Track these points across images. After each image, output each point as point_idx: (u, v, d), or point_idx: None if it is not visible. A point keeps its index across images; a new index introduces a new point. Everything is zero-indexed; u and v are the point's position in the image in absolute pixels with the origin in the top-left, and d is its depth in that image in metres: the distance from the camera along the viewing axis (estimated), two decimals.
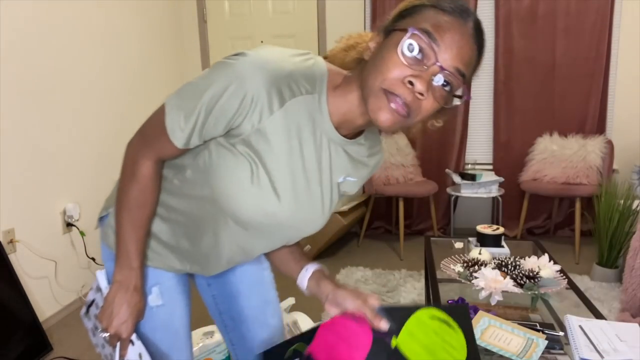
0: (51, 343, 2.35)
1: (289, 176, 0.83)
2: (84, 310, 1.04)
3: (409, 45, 0.70)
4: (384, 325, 0.81)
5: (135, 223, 0.90)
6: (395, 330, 0.81)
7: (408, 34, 0.70)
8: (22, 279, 2.34)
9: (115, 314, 0.90)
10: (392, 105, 0.72)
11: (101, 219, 1.02)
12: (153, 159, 0.87)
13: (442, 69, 0.71)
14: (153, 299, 0.97)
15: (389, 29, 0.75)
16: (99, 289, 0.98)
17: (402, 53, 0.71)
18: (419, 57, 0.71)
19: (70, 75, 2.69)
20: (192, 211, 0.90)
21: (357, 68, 0.81)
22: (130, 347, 0.92)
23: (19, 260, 2.37)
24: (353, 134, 0.88)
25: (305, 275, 0.97)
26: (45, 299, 2.55)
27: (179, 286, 1.02)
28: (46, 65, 2.51)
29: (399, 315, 0.83)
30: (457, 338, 0.84)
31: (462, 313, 0.86)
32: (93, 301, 1.00)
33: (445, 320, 0.85)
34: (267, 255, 1.07)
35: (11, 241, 2.33)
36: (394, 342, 0.80)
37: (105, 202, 1.01)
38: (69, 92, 2.67)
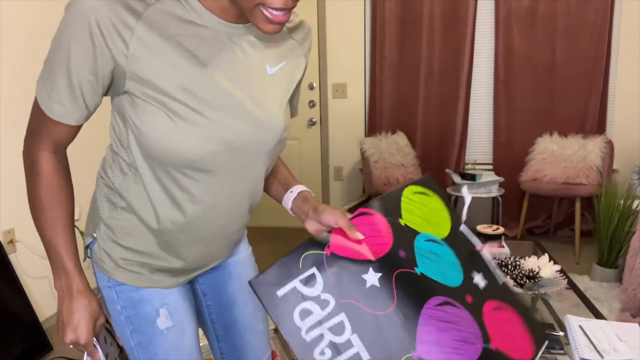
0: (51, 343, 2.35)
1: (201, 92, 0.77)
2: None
3: None
4: (359, 235, 0.80)
5: (56, 225, 0.84)
6: (397, 213, 0.87)
7: None
8: (22, 279, 2.34)
9: (66, 323, 0.85)
10: (276, 20, 0.73)
11: (88, 248, 0.96)
12: (49, 149, 0.81)
13: None
14: (162, 322, 0.92)
15: None
16: None
17: None
18: None
19: None
20: (155, 191, 0.84)
21: None
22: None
23: (19, 260, 2.37)
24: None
25: (291, 196, 0.96)
26: (45, 299, 2.55)
27: (185, 301, 0.97)
28: None
29: (392, 201, 0.88)
30: (437, 202, 0.95)
31: (431, 182, 0.97)
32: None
33: (423, 192, 0.94)
34: None
35: (11, 241, 2.33)
36: (401, 222, 0.86)
37: (86, 229, 0.96)
38: None
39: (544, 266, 1.70)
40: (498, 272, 0.95)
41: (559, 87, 3.61)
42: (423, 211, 0.91)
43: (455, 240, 0.92)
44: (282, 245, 3.79)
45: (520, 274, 1.64)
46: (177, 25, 0.75)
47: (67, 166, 0.86)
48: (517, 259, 1.81)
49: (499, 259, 1.79)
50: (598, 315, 1.52)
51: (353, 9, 3.80)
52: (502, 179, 3.51)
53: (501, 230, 2.09)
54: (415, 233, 0.87)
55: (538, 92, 3.65)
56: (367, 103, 3.96)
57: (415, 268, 0.81)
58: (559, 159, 3.46)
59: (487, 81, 3.76)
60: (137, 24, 0.72)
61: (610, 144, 3.40)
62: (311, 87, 3.97)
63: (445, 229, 0.92)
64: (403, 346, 0.75)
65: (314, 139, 4.05)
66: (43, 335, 2.31)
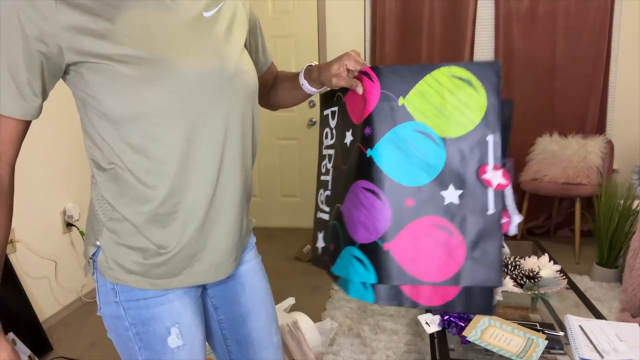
0: (51, 343, 2.35)
1: (140, 38, 0.77)
2: None
3: None
4: (359, 90, 0.88)
5: None
6: (404, 90, 0.85)
7: None
8: (22, 279, 2.34)
9: None
10: None
11: (91, 260, 0.90)
12: None
13: None
14: (173, 340, 0.89)
15: None
16: None
17: None
18: None
19: None
20: (138, 163, 0.82)
21: None
22: None
23: (19, 260, 2.37)
24: None
25: (306, 83, 1.02)
26: (45, 299, 2.55)
27: (197, 318, 0.94)
28: None
29: (410, 75, 0.85)
30: (477, 98, 0.83)
31: (490, 73, 0.83)
32: None
33: (467, 80, 0.84)
34: (275, 101, 1.12)
35: (11, 241, 2.33)
36: (400, 101, 0.85)
37: (87, 240, 0.91)
38: (69, 91, 2.67)
39: (544, 266, 1.70)
40: (491, 203, 0.84)
41: (559, 87, 3.61)
42: (444, 101, 0.84)
43: (461, 144, 0.84)
44: (282, 245, 3.79)
45: (520, 274, 1.64)
46: None
47: (5, 187, 0.81)
48: (517, 259, 1.81)
49: None
50: (598, 315, 1.52)
51: (353, 8, 3.80)
52: None
53: None
54: (407, 118, 0.85)
55: (538, 92, 3.65)
56: None
57: (368, 149, 0.86)
58: (559, 159, 3.46)
59: None
60: None
61: (610, 144, 3.40)
62: None
63: (459, 129, 0.84)
64: (340, 195, 0.93)
65: (314, 139, 4.05)
66: (43, 335, 2.31)
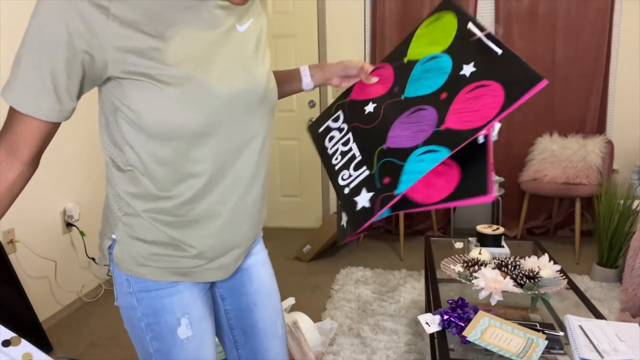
0: (51, 343, 2.35)
1: (179, 55, 0.78)
2: None
3: None
4: (373, 80, 1.09)
5: None
6: (403, 53, 1.09)
7: None
8: (22, 279, 2.34)
9: None
10: None
11: (108, 251, 0.92)
12: (4, 145, 0.78)
13: None
14: (183, 331, 0.91)
15: None
16: None
17: None
18: None
19: None
20: (163, 173, 0.83)
21: None
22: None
23: (19, 260, 2.38)
24: None
25: (306, 74, 1.13)
26: (45, 299, 2.55)
27: (206, 310, 0.96)
28: None
29: (401, 47, 1.10)
30: (448, 19, 1.04)
31: (447, 3, 1.06)
32: None
33: (437, 18, 1.07)
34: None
35: (11, 241, 2.33)
36: (404, 59, 1.07)
37: (103, 233, 0.93)
38: None
39: (544, 266, 1.70)
40: (493, 46, 0.90)
41: (559, 87, 3.61)
42: (432, 36, 1.06)
43: (456, 45, 1.01)
44: (282, 245, 3.79)
45: (520, 274, 1.64)
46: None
47: (11, 177, 0.80)
48: (517, 259, 1.81)
49: (499, 259, 1.79)
50: (598, 315, 1.52)
51: (353, 8, 3.80)
52: (502, 179, 3.51)
53: (501, 230, 2.09)
54: (414, 63, 1.06)
55: (538, 92, 3.65)
56: None
57: (402, 96, 1.05)
58: (559, 159, 3.46)
59: None
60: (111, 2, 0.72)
61: (610, 144, 3.40)
62: None
63: (449, 40, 1.02)
64: (378, 142, 1.03)
65: None
66: (43, 335, 2.32)
